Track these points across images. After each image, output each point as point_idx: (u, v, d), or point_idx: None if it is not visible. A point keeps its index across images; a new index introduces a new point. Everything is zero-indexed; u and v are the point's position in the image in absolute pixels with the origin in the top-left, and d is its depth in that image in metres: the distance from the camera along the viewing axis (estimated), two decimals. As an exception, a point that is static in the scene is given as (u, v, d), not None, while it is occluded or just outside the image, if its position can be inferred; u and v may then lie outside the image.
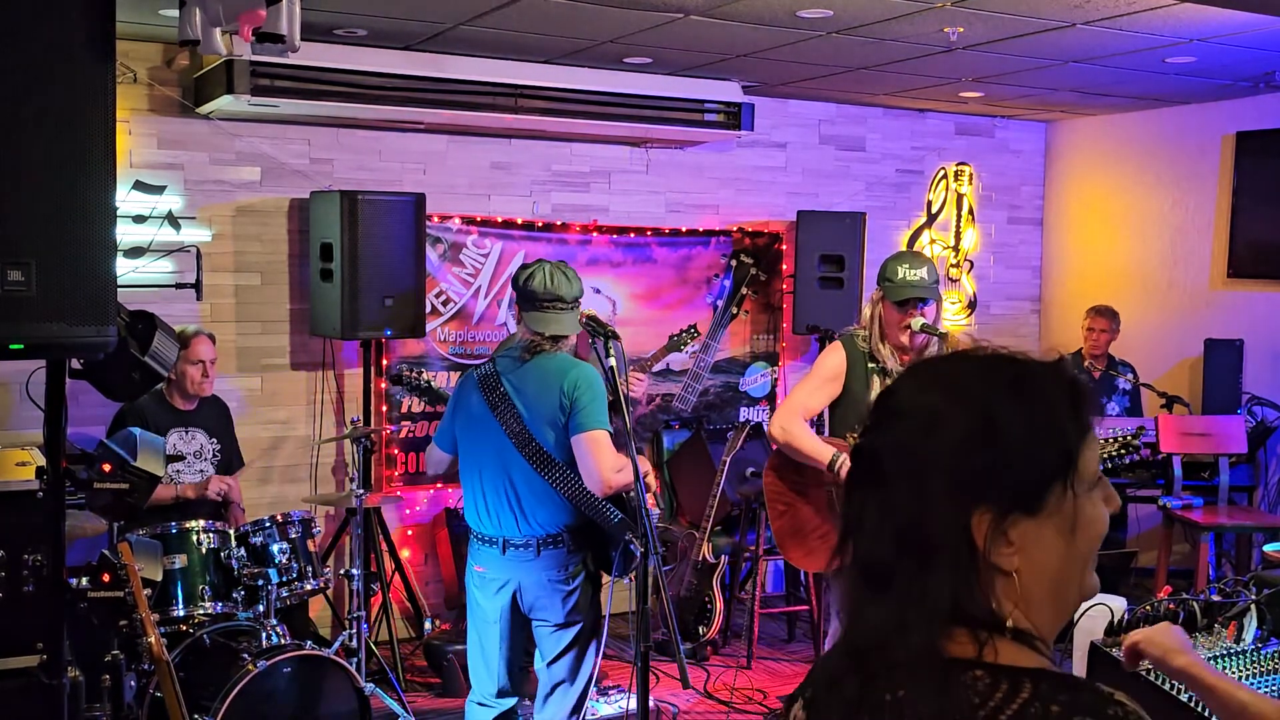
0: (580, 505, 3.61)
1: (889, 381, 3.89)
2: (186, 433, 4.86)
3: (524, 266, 3.75)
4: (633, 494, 3.66)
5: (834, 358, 4.06)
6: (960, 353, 1.28)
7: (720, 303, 6.73)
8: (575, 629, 3.70)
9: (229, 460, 5.02)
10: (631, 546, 3.60)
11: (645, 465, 3.71)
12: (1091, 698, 1.14)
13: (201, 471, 4.88)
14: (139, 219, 5.32)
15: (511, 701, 3.82)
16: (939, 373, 1.26)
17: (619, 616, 6.36)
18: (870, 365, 3.96)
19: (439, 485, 5.98)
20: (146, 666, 3.68)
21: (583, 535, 3.67)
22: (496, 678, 3.79)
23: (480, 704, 3.83)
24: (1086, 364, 6.76)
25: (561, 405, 3.59)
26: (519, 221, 6.15)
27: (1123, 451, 3.66)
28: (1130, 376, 6.75)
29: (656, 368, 6.38)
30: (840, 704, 1.22)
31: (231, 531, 4.32)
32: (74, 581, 3.25)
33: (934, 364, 1.29)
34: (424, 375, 4.01)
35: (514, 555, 3.67)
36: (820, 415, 4.31)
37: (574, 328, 3.69)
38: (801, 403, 4.06)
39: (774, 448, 4.14)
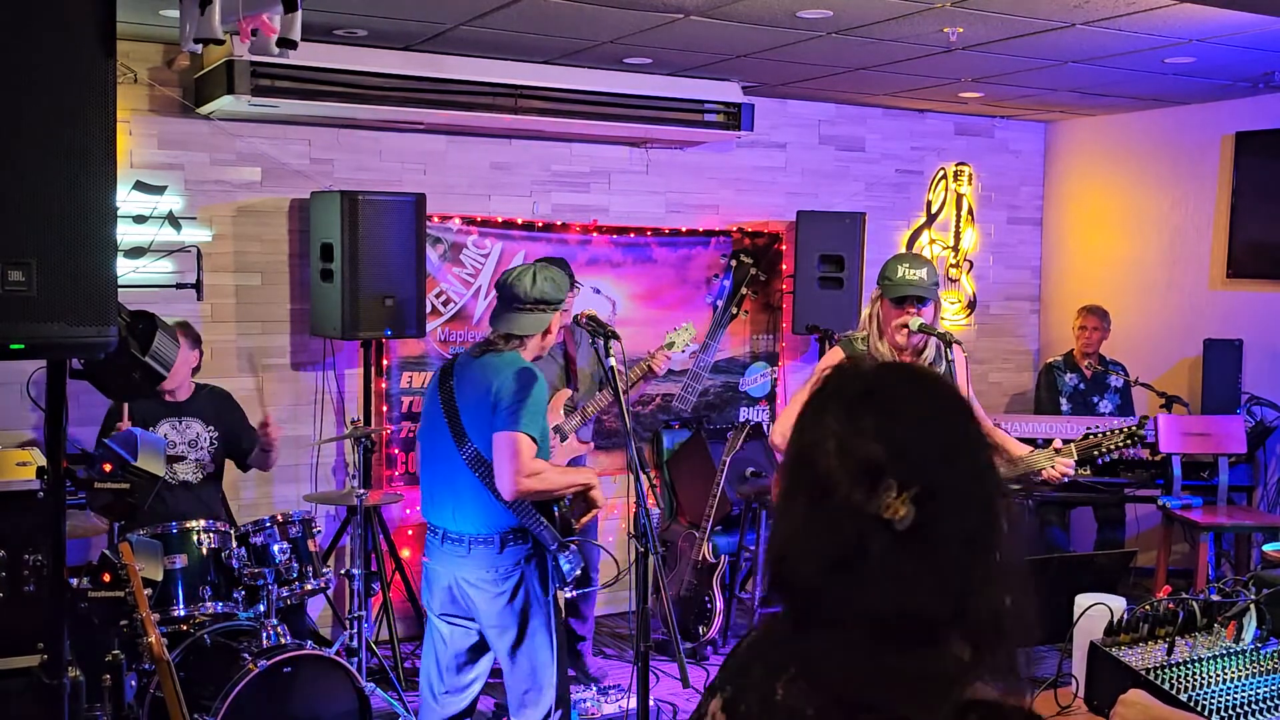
0: (511, 509, 3.55)
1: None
2: (180, 422, 4.82)
3: None
4: (562, 505, 3.60)
5: (833, 361, 4.05)
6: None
7: (720, 303, 6.73)
8: (513, 633, 3.62)
9: (235, 445, 4.97)
10: (563, 559, 3.54)
11: (589, 477, 3.66)
12: None
13: (197, 460, 4.84)
14: (139, 219, 5.33)
15: (458, 705, 3.79)
16: None
17: (619, 616, 6.37)
18: None
19: (439, 485, 5.98)
20: (147, 666, 3.68)
21: (520, 539, 3.60)
22: (441, 675, 3.79)
23: (431, 697, 3.83)
24: (1083, 363, 6.76)
25: (490, 405, 3.53)
26: (519, 221, 6.15)
27: (1128, 442, 3.70)
28: (1121, 374, 6.76)
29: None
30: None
31: (232, 531, 4.32)
32: (74, 581, 3.25)
33: None
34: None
35: (449, 549, 3.65)
36: None
37: (531, 328, 3.62)
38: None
39: (778, 455, 4.13)
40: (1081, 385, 6.79)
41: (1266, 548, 4.61)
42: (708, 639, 5.61)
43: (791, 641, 1.26)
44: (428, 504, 3.76)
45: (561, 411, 5.05)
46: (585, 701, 4.88)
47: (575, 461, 5.20)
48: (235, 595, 4.22)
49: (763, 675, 1.27)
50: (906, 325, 3.82)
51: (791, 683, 1.24)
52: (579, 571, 3.64)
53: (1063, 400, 6.78)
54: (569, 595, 3.64)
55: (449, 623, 3.73)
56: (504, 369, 3.57)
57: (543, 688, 3.65)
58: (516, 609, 3.61)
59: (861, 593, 1.19)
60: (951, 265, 7.55)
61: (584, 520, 3.70)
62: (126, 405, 4.63)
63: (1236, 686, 2.34)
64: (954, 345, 3.88)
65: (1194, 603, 2.55)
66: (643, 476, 3.52)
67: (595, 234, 6.34)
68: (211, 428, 4.90)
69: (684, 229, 6.60)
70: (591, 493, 3.67)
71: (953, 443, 1.24)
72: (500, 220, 6.11)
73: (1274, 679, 2.37)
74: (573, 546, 3.60)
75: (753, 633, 1.40)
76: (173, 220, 5.41)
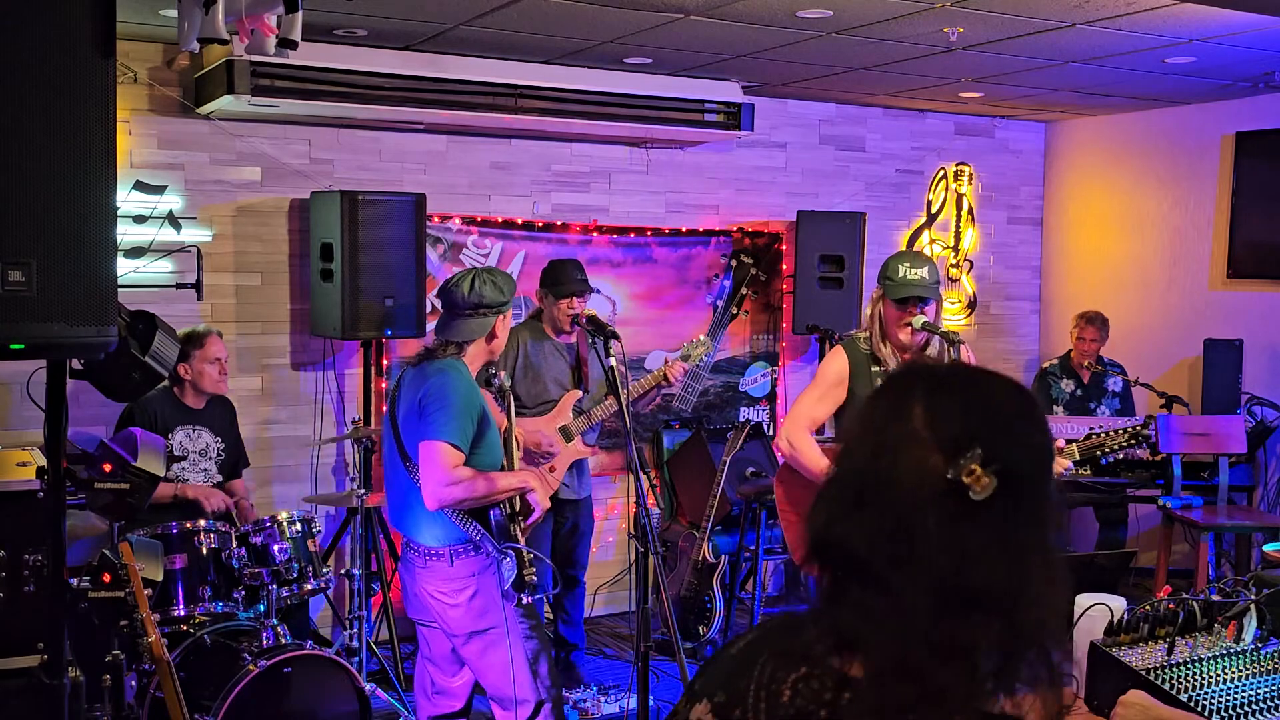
0: (453, 518, 3.51)
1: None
2: (194, 431, 4.85)
3: None
4: (504, 509, 3.54)
5: (836, 363, 4.02)
6: None
7: (720, 303, 6.73)
8: (475, 643, 3.58)
9: (234, 460, 5.01)
10: (503, 566, 3.49)
11: (525, 480, 3.58)
12: None
13: (205, 470, 4.86)
14: (139, 219, 5.33)
15: (451, 705, 3.79)
16: None
17: (619, 616, 6.37)
18: (874, 368, 3.93)
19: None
20: (147, 666, 3.68)
21: (472, 550, 3.55)
22: (431, 677, 3.80)
23: (425, 697, 3.84)
24: (1083, 365, 6.72)
25: (417, 415, 3.48)
26: (519, 221, 6.15)
27: (1133, 442, 3.72)
28: (1119, 374, 6.72)
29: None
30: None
31: (232, 531, 4.32)
32: (74, 581, 3.25)
33: None
34: (500, 375, 3.88)
35: (410, 557, 3.63)
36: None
37: (469, 334, 3.57)
38: (807, 413, 3.97)
39: (781, 460, 4.12)
40: (1079, 391, 6.74)
41: (1267, 548, 4.61)
42: (708, 639, 5.61)
43: (815, 622, 1.23)
44: (391, 514, 3.73)
45: (570, 413, 5.05)
46: (585, 701, 4.88)
47: (577, 464, 5.21)
48: (235, 595, 4.22)
49: (766, 677, 1.22)
50: (910, 324, 3.82)
51: (802, 681, 1.20)
52: (513, 577, 3.54)
53: (1058, 410, 6.70)
54: (527, 600, 3.58)
55: (424, 626, 3.73)
56: (431, 376, 3.51)
57: (513, 696, 3.57)
58: (474, 619, 3.55)
59: (919, 558, 1.17)
60: (951, 265, 7.55)
61: (529, 525, 3.62)
62: (142, 409, 4.65)
63: (1237, 687, 2.34)
64: (960, 345, 3.88)
65: (1194, 603, 2.55)
66: (643, 476, 3.49)
67: (595, 234, 6.34)
68: (220, 439, 4.93)
69: (684, 229, 6.60)
70: (529, 495, 3.58)
71: (1037, 439, 1.24)
72: (500, 220, 6.11)
73: (1274, 679, 2.37)
74: (510, 553, 3.53)
75: (740, 639, 1.33)
76: (173, 220, 5.41)
